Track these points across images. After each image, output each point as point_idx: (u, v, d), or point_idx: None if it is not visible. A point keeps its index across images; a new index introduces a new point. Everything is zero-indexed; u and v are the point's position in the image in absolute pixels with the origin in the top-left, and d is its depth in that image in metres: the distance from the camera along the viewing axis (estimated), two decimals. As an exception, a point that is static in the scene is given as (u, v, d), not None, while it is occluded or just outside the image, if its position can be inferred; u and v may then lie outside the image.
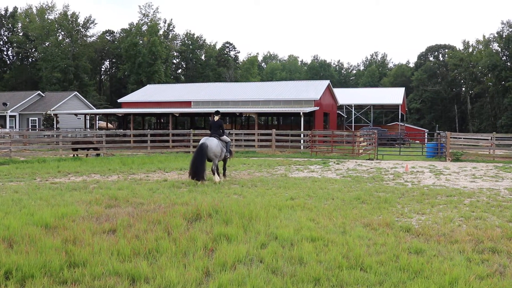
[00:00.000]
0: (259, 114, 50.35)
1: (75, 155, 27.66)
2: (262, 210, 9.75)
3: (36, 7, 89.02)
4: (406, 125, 73.76)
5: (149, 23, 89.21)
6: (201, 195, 12.20)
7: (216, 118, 17.26)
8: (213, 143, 16.04)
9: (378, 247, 7.26)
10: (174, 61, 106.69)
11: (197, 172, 15.32)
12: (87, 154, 28.31)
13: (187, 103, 51.49)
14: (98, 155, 28.69)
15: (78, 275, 5.92)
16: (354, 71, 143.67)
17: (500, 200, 12.30)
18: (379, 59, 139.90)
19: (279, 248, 7.12)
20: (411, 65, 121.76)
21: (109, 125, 67.72)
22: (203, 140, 16.06)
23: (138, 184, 14.67)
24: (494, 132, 43.17)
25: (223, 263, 6.35)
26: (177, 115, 48.39)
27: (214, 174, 16.08)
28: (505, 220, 9.60)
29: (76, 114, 54.40)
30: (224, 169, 17.38)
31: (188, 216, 9.11)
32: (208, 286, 5.64)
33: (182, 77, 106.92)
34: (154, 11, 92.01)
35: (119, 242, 7.20)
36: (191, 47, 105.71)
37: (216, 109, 18.46)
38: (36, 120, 58.55)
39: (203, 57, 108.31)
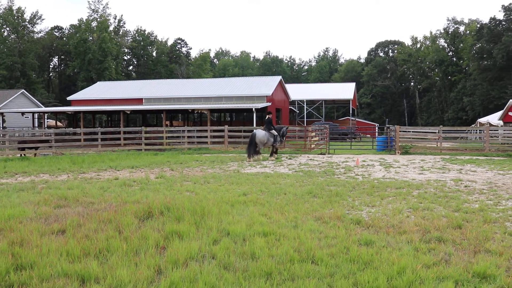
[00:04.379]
0: (212, 111, 50.30)
1: (23, 155, 26.93)
2: (215, 206, 9.73)
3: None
4: (357, 119, 75.04)
5: (98, 19, 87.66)
6: (153, 192, 12.08)
7: (267, 116, 24.31)
8: (260, 133, 23.06)
9: (329, 240, 7.35)
10: (125, 57, 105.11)
11: (250, 153, 22.70)
12: (35, 154, 27.59)
13: (139, 100, 50.92)
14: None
15: (25, 277, 5.76)
16: (306, 67, 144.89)
17: (446, 191, 12.66)
18: (330, 55, 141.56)
19: (231, 244, 7.12)
20: (362, 60, 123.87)
21: (59, 123, 66.25)
22: (254, 131, 23.47)
23: (88, 183, 14.39)
24: (441, 126, 44.29)
25: (175, 261, 6.30)
26: (129, 112, 47.75)
27: (258, 154, 23.32)
28: (451, 210, 9.89)
29: (23, 113, 52.88)
30: (272, 152, 24.01)
31: (139, 214, 9.00)
32: (160, 284, 5.59)
33: (134, 74, 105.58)
34: (103, 7, 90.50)
35: (68, 243, 7.05)
36: (142, 43, 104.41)
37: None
38: (-19, 119, 56.65)
39: (154, 54, 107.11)
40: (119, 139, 32.21)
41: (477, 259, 6.45)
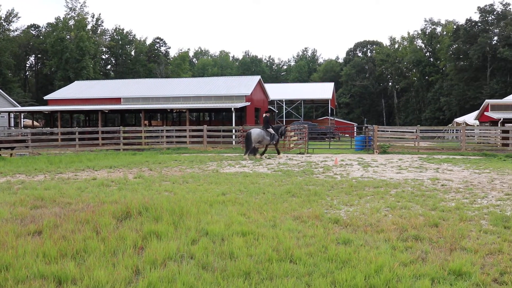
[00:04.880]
0: (191, 110, 50.10)
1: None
2: (193, 206, 9.70)
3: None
4: (335, 119, 75.41)
5: (76, 18, 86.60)
6: (131, 192, 11.99)
7: (265, 115, 25.21)
8: (255, 132, 23.86)
9: (307, 239, 7.38)
10: (103, 56, 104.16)
11: (247, 150, 23.68)
12: (11, 154, 27.22)
13: (117, 100, 50.48)
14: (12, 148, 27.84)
15: (0, 279, 5.68)
16: (285, 67, 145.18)
17: (423, 189, 12.79)
18: (309, 55, 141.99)
19: (209, 243, 7.11)
20: (340, 60, 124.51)
21: (35, 123, 65.36)
22: (249, 130, 24.63)
23: (65, 184, 14.23)
24: (419, 125, 44.73)
25: (153, 261, 6.27)
26: (107, 111, 47.41)
27: (254, 154, 24.00)
28: (428, 208, 9.99)
29: (-1, 112, 52.11)
30: (264, 152, 25.01)
31: (117, 214, 8.93)
32: (138, 284, 5.55)
33: (112, 73, 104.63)
34: (81, 5, 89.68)
35: (45, 244, 6.97)
36: (120, 42, 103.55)
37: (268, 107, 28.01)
38: (-45, 119, 55.65)
39: (133, 53, 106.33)
40: (97, 139, 31.91)
41: (453, 256, 6.53)
